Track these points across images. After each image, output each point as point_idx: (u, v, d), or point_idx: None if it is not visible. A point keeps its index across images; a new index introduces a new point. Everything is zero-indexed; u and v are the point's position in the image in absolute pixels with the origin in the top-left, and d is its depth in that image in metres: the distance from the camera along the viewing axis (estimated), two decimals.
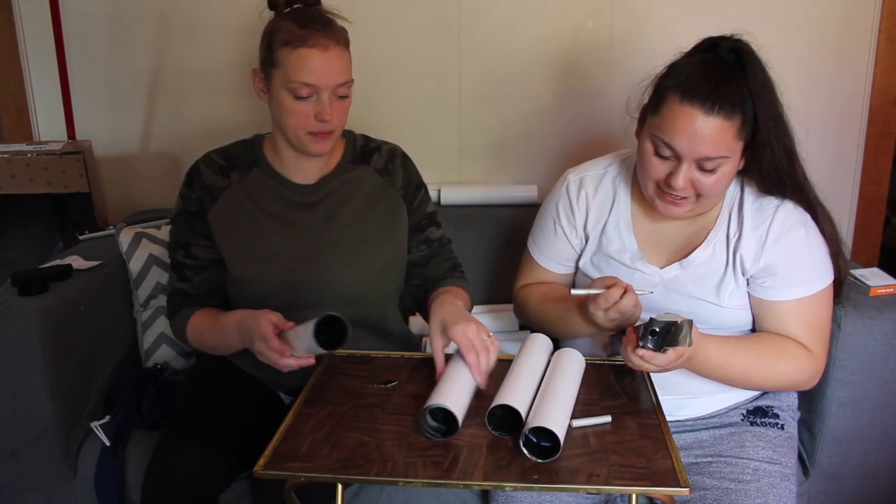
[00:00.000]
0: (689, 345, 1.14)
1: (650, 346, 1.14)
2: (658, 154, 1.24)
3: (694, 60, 1.24)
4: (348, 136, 1.52)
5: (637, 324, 1.20)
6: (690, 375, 1.36)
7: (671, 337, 1.13)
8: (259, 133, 1.52)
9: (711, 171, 1.22)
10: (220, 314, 1.41)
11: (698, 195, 1.25)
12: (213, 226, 1.44)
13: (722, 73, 1.21)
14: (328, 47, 1.32)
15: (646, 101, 1.30)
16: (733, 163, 1.24)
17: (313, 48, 1.30)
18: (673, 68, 1.26)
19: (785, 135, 1.27)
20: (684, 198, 1.26)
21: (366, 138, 1.54)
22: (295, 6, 1.37)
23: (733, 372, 1.29)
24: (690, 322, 1.14)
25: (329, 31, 1.33)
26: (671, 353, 1.15)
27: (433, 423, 1.11)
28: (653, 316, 1.16)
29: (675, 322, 1.13)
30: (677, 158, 1.22)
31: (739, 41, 1.25)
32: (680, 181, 1.22)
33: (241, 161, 1.47)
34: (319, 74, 1.31)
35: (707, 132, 1.19)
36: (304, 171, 1.46)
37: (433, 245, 1.54)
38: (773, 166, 1.27)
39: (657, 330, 1.14)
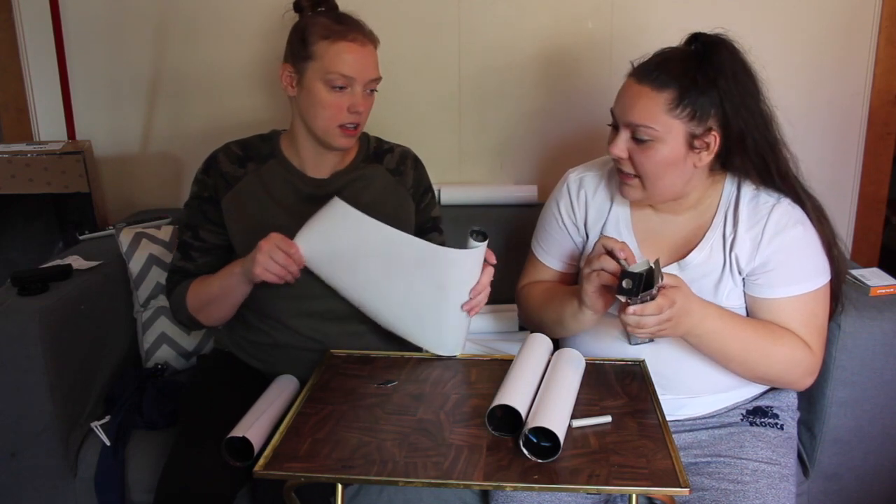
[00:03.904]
0: (662, 279, 1.18)
1: (629, 297, 1.15)
2: (611, 124, 1.32)
3: (663, 49, 1.30)
4: (362, 136, 1.56)
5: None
6: (689, 374, 1.36)
7: (647, 282, 1.14)
8: (276, 129, 1.56)
9: (644, 143, 1.26)
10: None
11: (641, 174, 1.29)
12: (226, 212, 1.48)
13: (673, 55, 1.27)
14: (364, 43, 1.40)
15: None
16: (671, 145, 1.25)
17: (352, 42, 1.38)
18: None
19: (764, 126, 1.29)
20: (630, 175, 1.30)
21: (379, 140, 1.59)
22: (319, 9, 1.43)
23: (732, 345, 1.29)
24: (657, 261, 1.17)
25: (364, 29, 1.42)
26: (660, 299, 1.16)
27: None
28: (624, 269, 1.17)
29: (648, 268, 1.15)
30: (618, 128, 1.29)
31: (718, 36, 1.28)
32: (615, 148, 1.29)
33: (258, 153, 1.52)
34: (357, 67, 1.38)
35: (634, 98, 1.26)
36: (320, 166, 1.50)
37: None
38: (758, 154, 1.29)
39: (630, 280, 1.15)
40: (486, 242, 1.28)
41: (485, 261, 1.32)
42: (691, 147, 1.27)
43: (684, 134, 1.25)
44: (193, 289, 1.46)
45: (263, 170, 1.50)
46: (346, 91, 1.39)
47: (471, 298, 1.33)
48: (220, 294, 1.42)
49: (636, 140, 1.27)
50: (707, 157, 1.29)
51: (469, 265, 1.31)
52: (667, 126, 1.24)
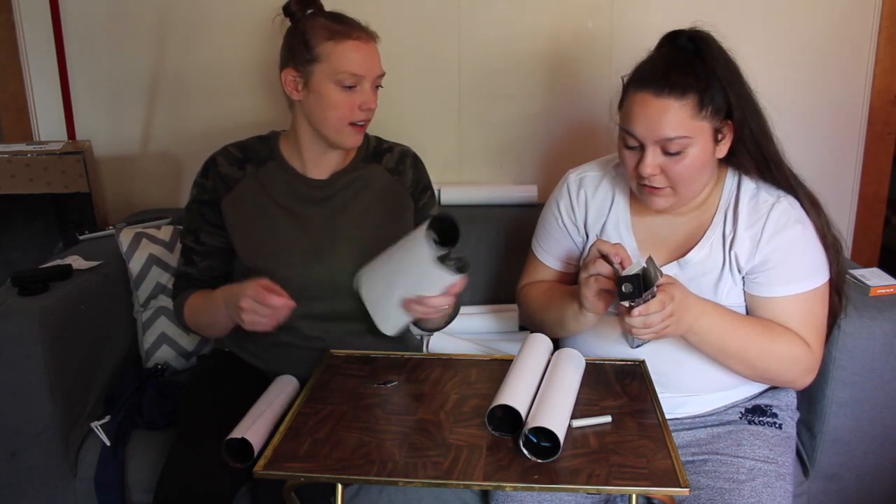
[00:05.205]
0: (662, 275, 1.17)
1: (633, 300, 1.14)
2: (627, 146, 1.29)
3: (654, 55, 1.30)
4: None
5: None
6: (688, 372, 1.36)
7: (646, 281, 1.14)
8: (275, 130, 1.56)
9: (678, 154, 1.24)
10: (211, 292, 1.45)
11: (675, 182, 1.27)
12: (226, 214, 1.48)
13: (675, 59, 1.26)
14: (367, 40, 1.41)
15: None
16: (701, 145, 1.25)
17: (357, 40, 1.38)
18: (636, 67, 1.30)
19: (756, 113, 1.30)
20: (661, 187, 1.28)
21: (378, 139, 1.58)
22: (308, 11, 1.42)
23: (731, 342, 1.29)
24: (650, 259, 1.16)
25: (364, 27, 1.42)
26: (660, 294, 1.15)
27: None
28: (620, 275, 1.16)
29: (642, 268, 1.14)
30: (642, 146, 1.26)
31: (697, 31, 1.29)
32: (647, 168, 1.26)
33: (257, 154, 1.52)
34: (365, 65, 1.39)
35: (659, 113, 1.23)
36: (321, 167, 1.50)
37: None
38: (754, 142, 1.30)
39: (629, 283, 1.14)
40: (460, 276, 1.24)
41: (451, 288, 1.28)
42: (716, 141, 1.28)
43: (711, 131, 1.26)
44: (189, 308, 1.48)
45: (262, 172, 1.50)
46: (356, 90, 1.39)
47: (413, 300, 1.29)
48: (210, 324, 1.46)
49: (667, 153, 1.25)
50: (725, 147, 1.30)
51: (434, 278, 1.26)
52: (697, 130, 1.24)
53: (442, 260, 1.25)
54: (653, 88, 1.23)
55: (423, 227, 1.25)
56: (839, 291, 1.39)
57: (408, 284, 1.29)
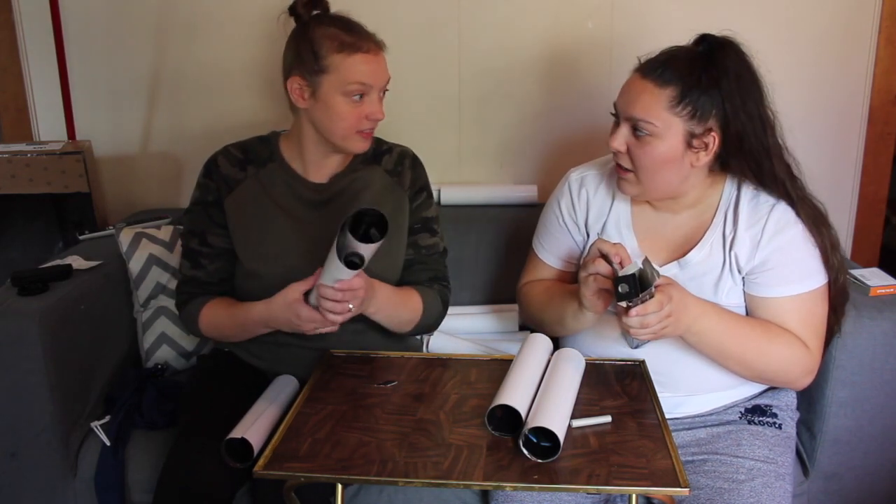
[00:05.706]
0: (659, 275, 1.18)
1: (630, 300, 1.14)
2: (613, 115, 1.33)
3: (671, 47, 1.31)
4: None
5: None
6: (688, 372, 1.36)
7: (642, 281, 1.14)
8: (275, 130, 1.55)
9: (643, 139, 1.27)
10: (235, 306, 1.44)
11: (637, 168, 1.30)
12: (228, 215, 1.48)
13: (681, 55, 1.28)
14: (377, 52, 1.40)
15: None
16: (669, 142, 1.26)
17: (367, 53, 1.37)
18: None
19: (763, 130, 1.29)
20: (626, 169, 1.31)
21: (378, 140, 1.57)
22: (314, 13, 1.41)
23: (730, 343, 1.29)
24: (646, 259, 1.16)
25: (372, 35, 1.41)
26: (658, 294, 1.16)
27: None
28: (617, 275, 1.17)
29: (639, 268, 1.14)
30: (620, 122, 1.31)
31: (724, 38, 1.29)
32: (614, 140, 1.30)
33: (258, 155, 1.51)
34: (374, 76, 1.38)
35: (636, 93, 1.27)
36: (322, 170, 1.50)
37: (420, 251, 1.54)
38: (754, 158, 1.30)
39: (625, 283, 1.14)
40: (355, 271, 1.22)
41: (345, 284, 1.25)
42: (689, 146, 1.27)
43: (683, 132, 1.26)
44: (208, 318, 1.46)
45: (263, 173, 1.49)
46: (364, 99, 1.39)
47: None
48: (239, 335, 1.46)
49: (636, 135, 1.27)
50: (705, 158, 1.29)
51: (332, 267, 1.24)
52: (666, 123, 1.25)
53: (351, 253, 1.21)
54: (642, 71, 1.28)
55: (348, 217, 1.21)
56: (836, 310, 1.38)
57: (325, 272, 1.28)
